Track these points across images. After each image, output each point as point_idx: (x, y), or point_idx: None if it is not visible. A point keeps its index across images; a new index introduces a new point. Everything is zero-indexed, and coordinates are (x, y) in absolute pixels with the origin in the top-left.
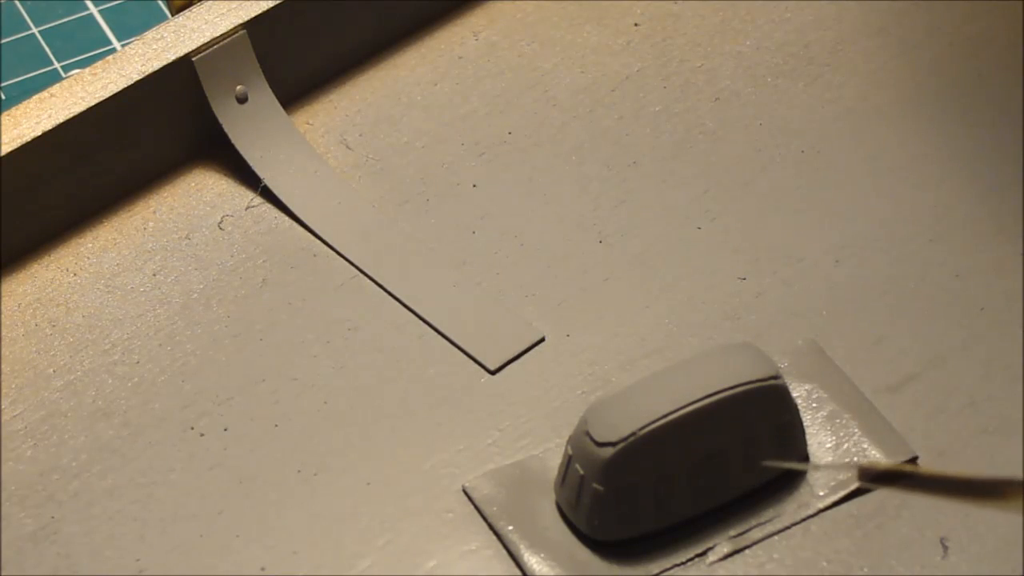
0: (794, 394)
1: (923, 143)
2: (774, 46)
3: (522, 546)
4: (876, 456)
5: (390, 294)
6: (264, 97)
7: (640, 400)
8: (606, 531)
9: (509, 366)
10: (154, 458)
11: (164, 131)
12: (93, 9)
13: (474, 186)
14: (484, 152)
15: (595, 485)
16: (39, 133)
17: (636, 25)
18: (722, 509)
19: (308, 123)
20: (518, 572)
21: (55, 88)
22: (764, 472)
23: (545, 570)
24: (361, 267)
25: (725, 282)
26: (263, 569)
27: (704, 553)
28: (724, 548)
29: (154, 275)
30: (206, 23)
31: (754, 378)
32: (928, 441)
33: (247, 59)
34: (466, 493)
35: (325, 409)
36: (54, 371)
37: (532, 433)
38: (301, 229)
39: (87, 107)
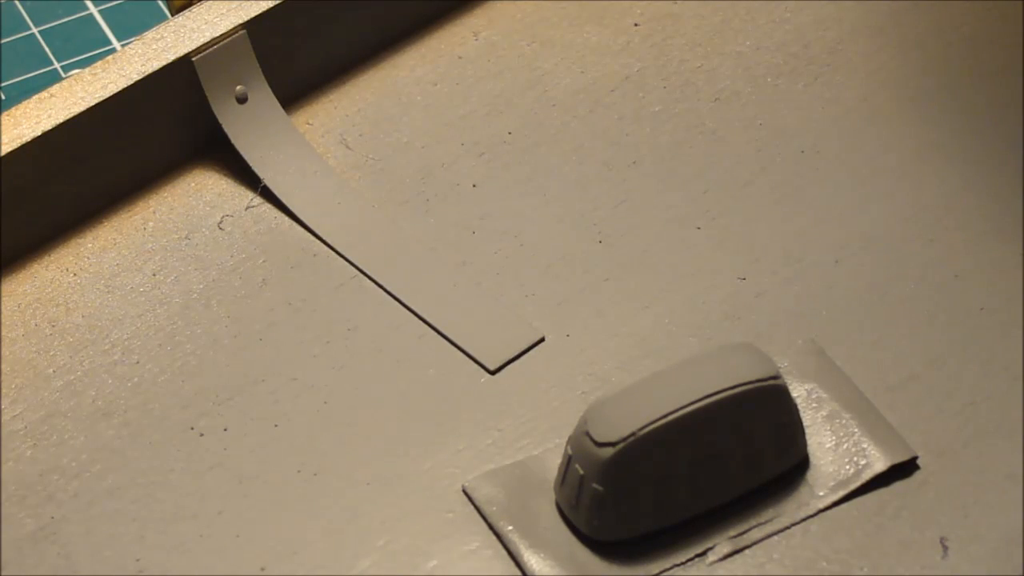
0: (794, 394)
1: (923, 143)
2: (774, 46)
3: (522, 546)
4: (876, 456)
5: (390, 294)
6: (264, 97)
7: (640, 400)
8: (606, 531)
9: (509, 366)
10: (154, 458)
11: (164, 131)
12: (93, 9)
13: (474, 186)
14: (484, 152)
15: (595, 485)
16: (39, 133)
17: (636, 25)
18: (722, 509)
19: (308, 123)
20: (518, 572)
21: (55, 88)
22: (764, 472)
23: (545, 570)
24: (361, 267)
25: (725, 282)
26: (263, 569)
27: (704, 553)
28: (724, 548)
29: (154, 275)
30: (206, 23)
31: (754, 378)
32: (928, 441)
33: (247, 59)
34: (466, 493)
35: (325, 409)
36: (54, 371)
37: (532, 433)
38: (301, 229)
39: (87, 107)
